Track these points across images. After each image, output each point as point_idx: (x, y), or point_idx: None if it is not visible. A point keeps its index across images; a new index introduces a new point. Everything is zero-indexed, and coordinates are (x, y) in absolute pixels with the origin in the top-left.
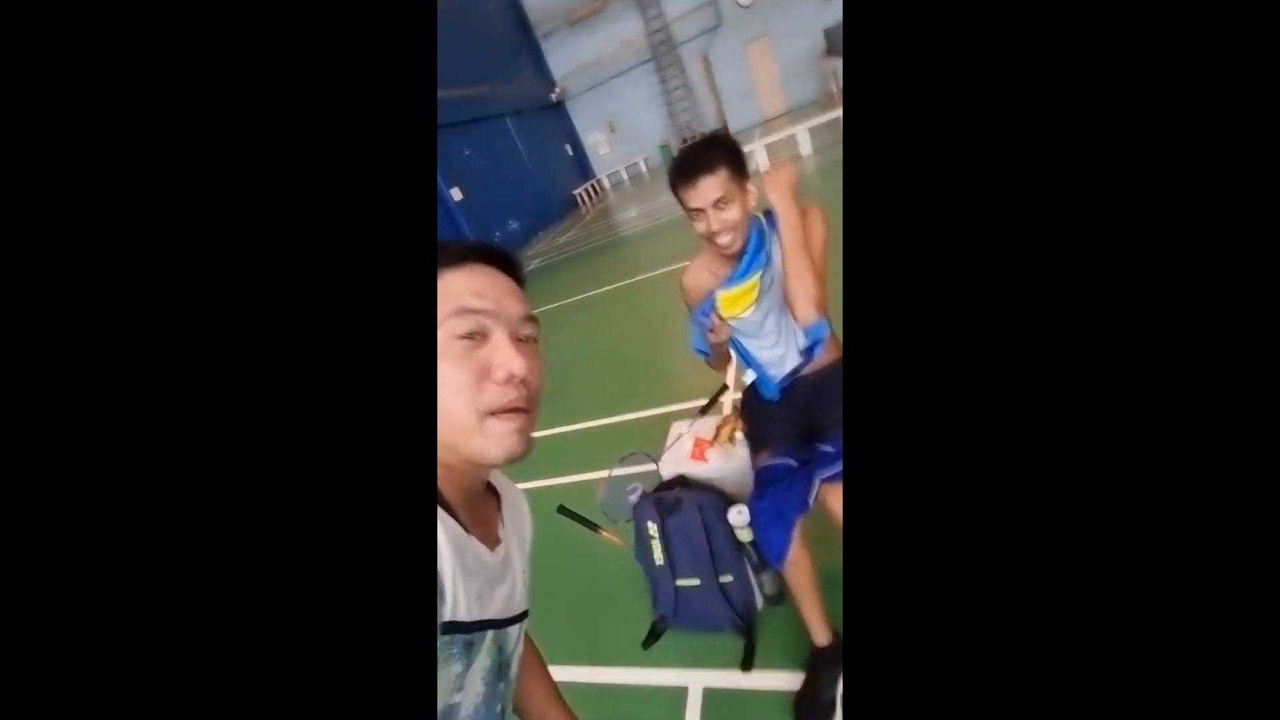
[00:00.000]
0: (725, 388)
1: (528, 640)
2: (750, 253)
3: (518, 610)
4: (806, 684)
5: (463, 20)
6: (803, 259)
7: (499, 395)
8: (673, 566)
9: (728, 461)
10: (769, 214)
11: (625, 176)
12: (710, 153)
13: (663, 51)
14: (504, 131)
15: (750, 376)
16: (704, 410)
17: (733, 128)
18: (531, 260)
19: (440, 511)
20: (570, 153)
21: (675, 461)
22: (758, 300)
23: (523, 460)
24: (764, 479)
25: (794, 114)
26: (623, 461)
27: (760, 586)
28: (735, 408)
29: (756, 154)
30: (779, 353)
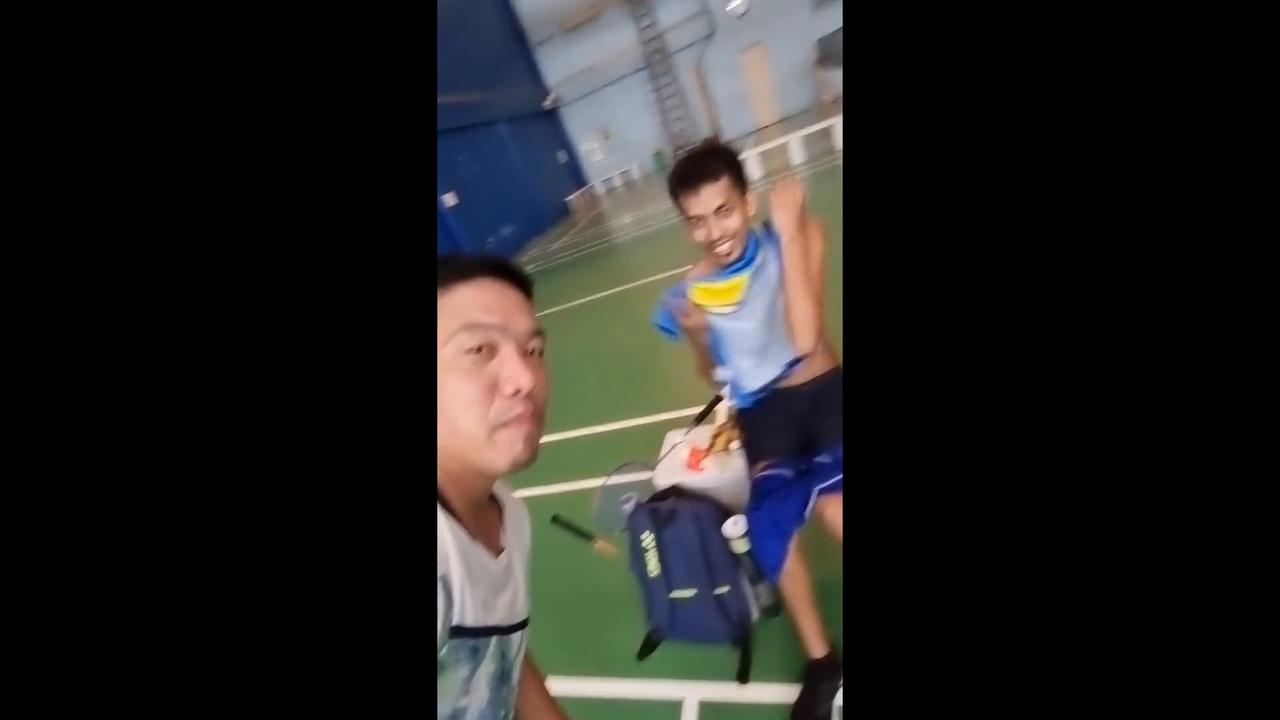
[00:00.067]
0: (720, 397)
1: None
2: (744, 261)
3: (519, 617)
4: (803, 696)
5: (458, 27)
6: (805, 286)
7: (507, 409)
8: (668, 577)
9: (723, 471)
10: (766, 225)
11: (619, 183)
12: (713, 160)
13: (657, 59)
14: (498, 138)
15: (726, 374)
16: (699, 419)
17: (726, 136)
18: (525, 266)
19: (448, 518)
20: (564, 159)
21: (670, 471)
22: (742, 302)
23: (528, 468)
24: (760, 490)
25: (787, 122)
26: (617, 471)
27: (756, 598)
28: (730, 417)
29: (750, 162)
30: (752, 363)
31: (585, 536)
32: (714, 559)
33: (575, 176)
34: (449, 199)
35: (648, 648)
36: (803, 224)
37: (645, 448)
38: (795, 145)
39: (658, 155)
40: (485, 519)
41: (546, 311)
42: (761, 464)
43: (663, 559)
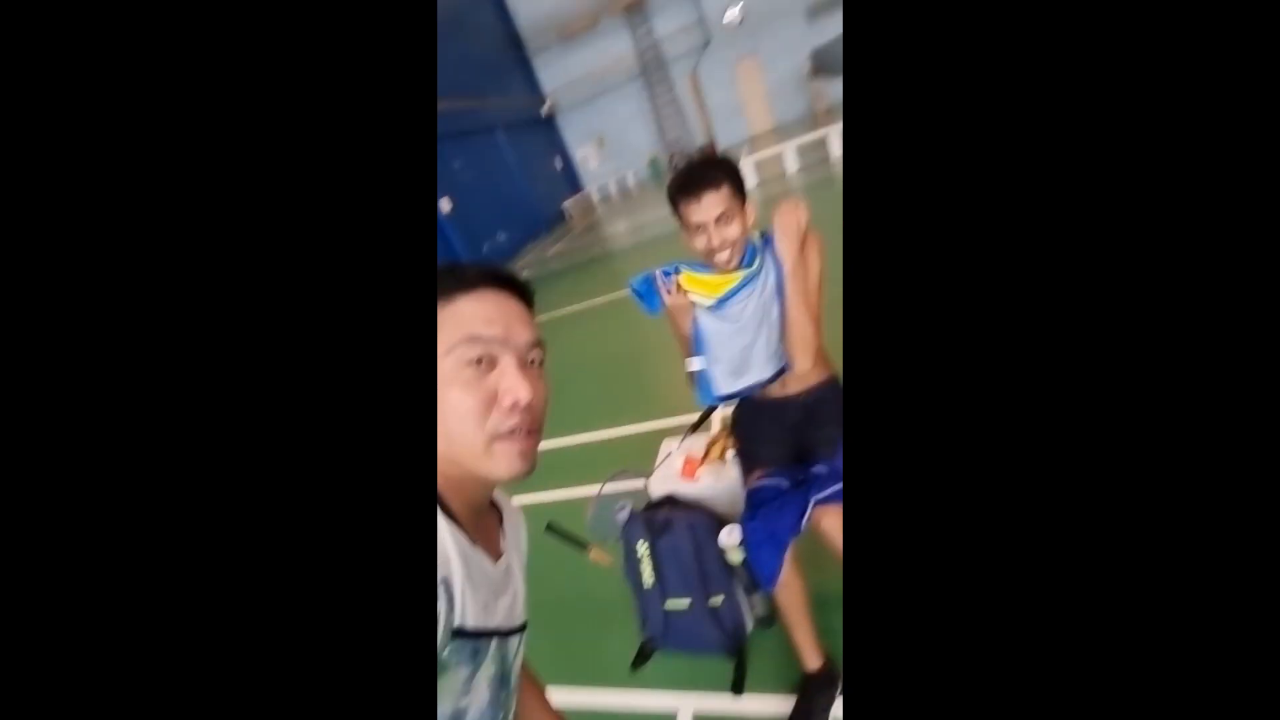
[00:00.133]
0: (714, 406)
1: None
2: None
3: (518, 622)
4: (797, 708)
5: (456, 34)
6: (805, 309)
7: (506, 420)
8: (663, 587)
9: (718, 480)
10: (764, 235)
11: (614, 190)
12: (714, 169)
13: (652, 68)
14: (495, 144)
15: (698, 365)
16: (694, 428)
17: (721, 145)
18: (520, 272)
19: (449, 523)
20: (560, 166)
21: (665, 480)
22: (723, 300)
23: (526, 478)
24: (755, 500)
25: (781, 131)
26: (611, 479)
27: (751, 608)
28: (725, 426)
29: (744, 170)
30: (723, 368)
31: (579, 545)
32: (709, 569)
33: (571, 183)
34: (444, 204)
35: (642, 658)
36: (804, 243)
37: (640, 456)
38: (790, 154)
39: (653, 163)
40: (485, 524)
41: (541, 318)
42: (756, 474)
43: (657, 568)
